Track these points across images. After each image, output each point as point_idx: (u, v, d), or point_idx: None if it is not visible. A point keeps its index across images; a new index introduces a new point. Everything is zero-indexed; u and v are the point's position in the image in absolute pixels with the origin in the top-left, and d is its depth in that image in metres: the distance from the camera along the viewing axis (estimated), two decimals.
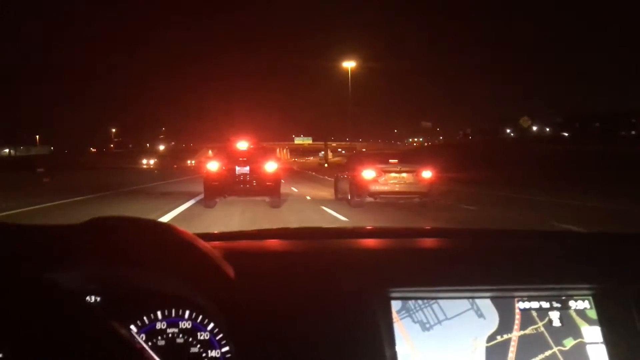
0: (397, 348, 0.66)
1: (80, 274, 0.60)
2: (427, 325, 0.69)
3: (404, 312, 0.70)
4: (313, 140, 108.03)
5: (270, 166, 8.92)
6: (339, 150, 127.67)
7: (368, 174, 8.89)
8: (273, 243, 0.91)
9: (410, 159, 10.10)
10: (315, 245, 0.90)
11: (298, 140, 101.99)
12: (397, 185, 8.92)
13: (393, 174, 8.91)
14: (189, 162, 73.30)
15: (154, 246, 0.58)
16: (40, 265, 0.52)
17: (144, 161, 72.33)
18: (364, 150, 11.10)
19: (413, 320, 0.70)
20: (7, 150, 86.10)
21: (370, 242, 0.92)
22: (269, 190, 8.82)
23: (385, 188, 8.87)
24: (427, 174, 9.06)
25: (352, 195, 9.34)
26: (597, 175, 16.02)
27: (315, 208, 9.16)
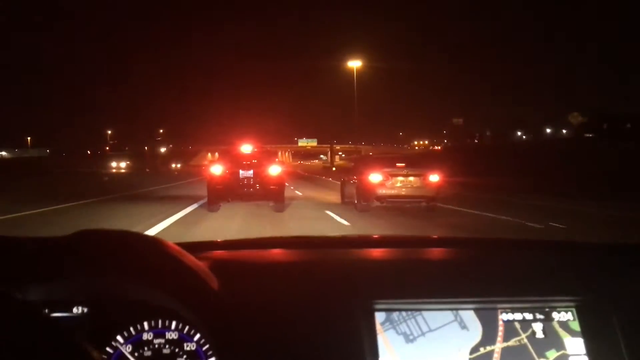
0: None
1: (68, 285, 0.64)
2: (411, 337, 0.72)
3: (387, 323, 0.73)
4: (318, 143, 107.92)
5: (274, 170, 9.19)
6: (340, 153, 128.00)
7: (375, 177, 9.16)
8: (261, 253, 0.95)
9: (418, 162, 10.38)
10: (302, 256, 0.94)
11: (302, 142, 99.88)
12: (404, 189, 9.20)
13: (400, 178, 9.19)
14: (173, 165, 64.26)
15: (140, 259, 0.61)
16: (26, 277, 0.55)
17: (113, 164, 60.70)
18: (370, 154, 11.30)
19: (397, 332, 0.72)
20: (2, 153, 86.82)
21: (356, 253, 0.98)
22: (273, 194, 9.04)
23: (393, 192, 9.16)
24: (434, 177, 9.31)
25: (359, 199, 9.59)
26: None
27: (320, 213, 9.33)
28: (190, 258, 0.65)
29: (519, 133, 71.92)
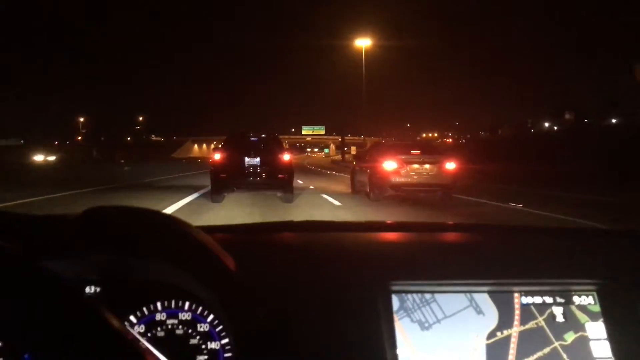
0: (398, 350, 0.74)
1: (79, 263, 0.68)
2: (426, 325, 0.77)
3: (402, 311, 0.77)
4: (325, 132, 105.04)
5: (283, 157, 9.47)
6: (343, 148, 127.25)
7: (389, 165, 9.72)
8: (275, 236, 1.03)
9: (433, 149, 10.91)
10: (317, 238, 1.02)
11: (306, 130, 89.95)
12: (420, 177, 9.75)
13: (415, 165, 9.76)
14: (122, 160, 50.78)
15: (153, 236, 0.66)
16: (38, 254, 0.60)
17: (38, 157, 52.02)
18: (382, 141, 11.99)
19: (412, 320, 0.77)
20: None
21: (370, 236, 1.05)
22: (281, 183, 9.34)
23: (408, 180, 9.70)
24: (450, 165, 9.87)
25: (372, 188, 10.20)
26: None
27: (327, 202, 9.96)
28: (205, 236, 0.70)
29: (547, 124, 72.77)
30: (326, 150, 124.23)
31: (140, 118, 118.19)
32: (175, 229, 0.67)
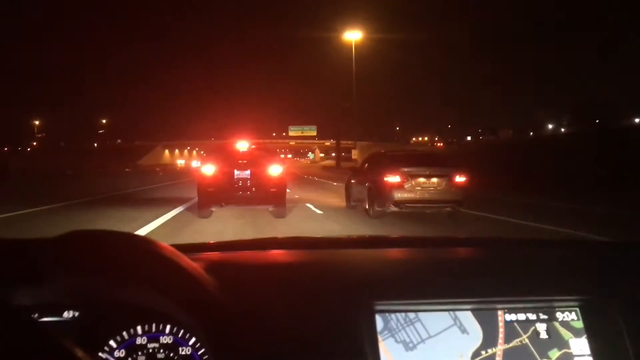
0: None
1: (57, 288, 0.70)
2: (411, 345, 0.82)
3: (386, 332, 0.82)
4: (315, 133, 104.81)
5: (275, 170, 9.53)
6: (321, 154, 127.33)
7: (391, 178, 9.52)
8: (258, 254, 1.06)
9: (440, 160, 10.73)
10: (301, 257, 1.06)
11: (294, 131, 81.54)
12: (427, 192, 9.56)
13: (421, 179, 9.55)
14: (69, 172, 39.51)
15: (132, 259, 0.68)
16: (13, 281, 0.62)
17: None
18: (382, 151, 11.78)
19: (396, 340, 0.81)
20: None
21: (354, 253, 1.11)
22: (273, 197, 9.39)
23: (413, 196, 9.48)
24: (461, 178, 9.70)
25: (372, 203, 10.00)
26: None
27: (320, 220, 9.81)
28: (184, 259, 0.72)
29: (551, 127, 73.98)
30: (311, 156, 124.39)
31: (104, 121, 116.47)
32: (153, 252, 0.69)
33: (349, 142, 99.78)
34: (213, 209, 9.66)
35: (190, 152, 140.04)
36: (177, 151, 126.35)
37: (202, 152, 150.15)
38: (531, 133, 71.91)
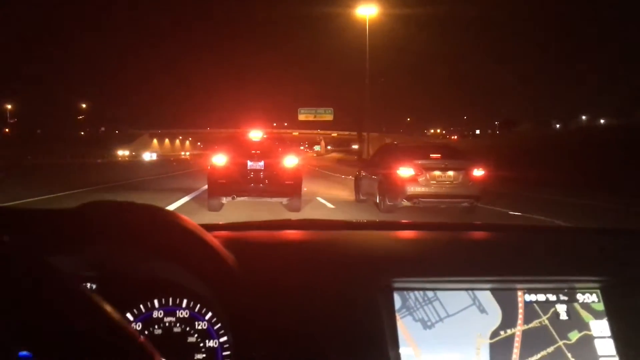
0: (400, 349, 0.84)
1: (75, 259, 0.76)
2: (429, 323, 0.87)
3: (404, 310, 0.88)
4: (305, 129, 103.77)
5: (290, 161, 9.92)
6: (327, 146, 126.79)
7: (404, 172, 9.78)
8: (277, 234, 1.15)
9: (456, 153, 10.96)
10: (319, 236, 1.15)
11: (306, 114, 68.77)
12: (442, 187, 9.82)
13: (436, 172, 9.80)
14: None
15: (152, 231, 0.74)
16: (37, 249, 0.64)
17: None
18: (395, 142, 12.12)
19: (414, 319, 0.87)
20: None
21: (371, 234, 1.20)
22: (288, 190, 9.77)
23: (427, 190, 9.75)
24: (478, 172, 9.94)
25: (383, 197, 10.32)
26: None
27: (329, 212, 10.19)
28: (205, 232, 0.78)
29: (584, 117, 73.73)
30: (317, 148, 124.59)
31: (84, 105, 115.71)
32: (176, 225, 0.75)
33: (354, 133, 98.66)
34: (224, 201, 9.97)
35: (182, 142, 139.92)
36: (167, 141, 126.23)
37: (199, 143, 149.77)
38: (557, 125, 71.81)
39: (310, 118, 69.35)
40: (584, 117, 77.31)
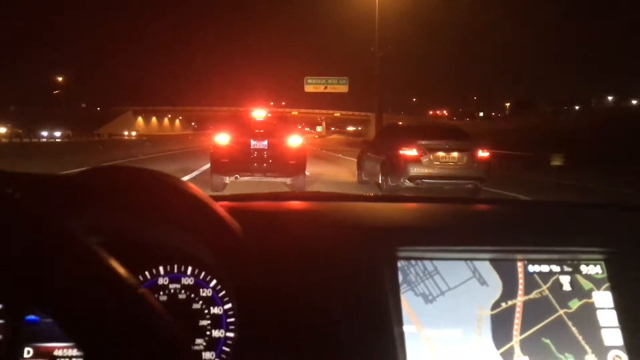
0: (404, 327, 0.90)
1: (82, 223, 0.79)
2: (430, 298, 0.94)
3: (405, 285, 0.94)
4: (308, 109, 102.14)
5: (294, 141, 10.59)
6: (332, 128, 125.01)
7: (407, 152, 10.34)
8: (281, 204, 1.26)
9: (461, 133, 11.48)
10: (322, 207, 1.26)
11: (314, 84, 58.49)
12: (446, 168, 10.37)
13: (440, 153, 10.34)
14: None
15: (159, 196, 0.79)
16: (44, 211, 0.66)
17: None
18: (400, 123, 12.73)
19: (415, 294, 0.94)
20: None
21: (374, 205, 1.32)
22: (292, 169, 10.45)
23: (430, 171, 10.31)
24: (484, 153, 10.46)
25: (386, 178, 10.89)
26: None
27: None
28: (211, 200, 0.84)
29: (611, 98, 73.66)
30: (319, 128, 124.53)
31: (60, 79, 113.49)
32: (183, 191, 0.81)
33: (361, 113, 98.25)
34: (227, 181, 10.60)
35: (171, 121, 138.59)
36: (154, 119, 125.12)
37: (193, 123, 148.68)
38: (576, 107, 71.85)
39: (320, 89, 58.78)
40: (610, 98, 77.47)
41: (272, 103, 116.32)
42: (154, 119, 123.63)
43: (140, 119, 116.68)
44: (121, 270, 0.56)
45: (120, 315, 0.53)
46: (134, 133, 77.78)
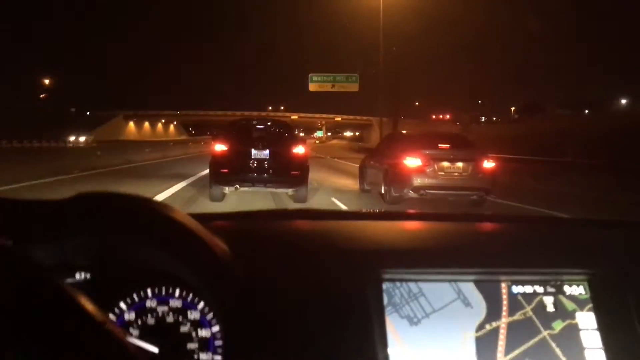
0: (389, 349, 0.93)
1: (68, 248, 0.86)
2: (415, 320, 0.97)
3: (390, 307, 0.98)
4: (307, 113, 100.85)
5: (297, 150, 10.62)
6: (328, 134, 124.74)
7: (411, 162, 10.43)
8: (268, 223, 1.30)
9: (466, 142, 11.62)
10: (311, 226, 1.30)
11: (320, 82, 51.80)
12: (451, 178, 10.45)
13: (445, 163, 10.42)
14: None
15: (144, 221, 0.84)
16: (24, 238, 0.75)
17: None
18: (404, 131, 12.94)
19: (400, 316, 0.97)
20: None
21: (363, 225, 1.36)
22: (294, 180, 10.45)
23: (434, 181, 10.38)
24: (489, 163, 10.56)
25: (389, 188, 10.99)
26: None
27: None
28: (196, 223, 0.89)
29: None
30: (319, 133, 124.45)
31: (47, 81, 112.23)
32: (166, 215, 0.85)
33: (363, 117, 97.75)
34: (226, 191, 10.63)
35: (165, 125, 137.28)
36: (146, 124, 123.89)
37: (190, 129, 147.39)
38: (586, 111, 71.79)
39: (326, 88, 52.37)
40: (623, 101, 77.33)
41: (270, 107, 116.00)
42: (146, 123, 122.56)
43: (131, 124, 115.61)
44: (89, 306, 0.57)
45: (86, 350, 0.54)
46: (82, 138, 69.55)
